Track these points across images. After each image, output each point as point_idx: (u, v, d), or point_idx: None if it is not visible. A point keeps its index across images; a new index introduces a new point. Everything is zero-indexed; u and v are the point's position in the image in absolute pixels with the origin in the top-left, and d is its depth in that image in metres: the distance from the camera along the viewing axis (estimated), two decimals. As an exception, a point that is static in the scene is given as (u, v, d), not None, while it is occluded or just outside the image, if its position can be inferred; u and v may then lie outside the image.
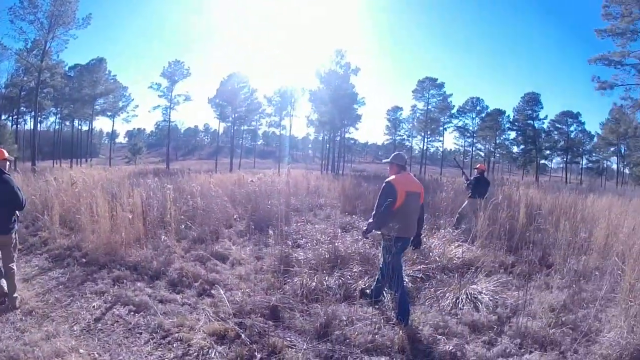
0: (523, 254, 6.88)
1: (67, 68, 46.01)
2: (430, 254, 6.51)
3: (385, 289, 4.67)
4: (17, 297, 4.56)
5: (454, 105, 59.85)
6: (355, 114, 52.54)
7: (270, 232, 6.27)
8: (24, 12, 32.59)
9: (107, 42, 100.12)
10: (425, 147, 62.98)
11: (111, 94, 52.33)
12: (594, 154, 59.47)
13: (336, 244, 6.41)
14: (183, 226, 7.47)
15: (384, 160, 5.19)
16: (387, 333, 4.15)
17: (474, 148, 63.73)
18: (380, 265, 4.57)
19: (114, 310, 4.49)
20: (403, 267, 4.89)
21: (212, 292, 5.15)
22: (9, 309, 4.43)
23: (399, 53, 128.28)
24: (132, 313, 4.45)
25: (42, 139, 51.19)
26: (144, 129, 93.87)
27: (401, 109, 65.89)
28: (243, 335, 3.93)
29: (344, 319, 4.38)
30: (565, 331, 4.21)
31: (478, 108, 61.15)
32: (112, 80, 52.75)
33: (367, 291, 5.00)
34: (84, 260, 6.13)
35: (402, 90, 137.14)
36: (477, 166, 10.00)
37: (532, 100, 57.62)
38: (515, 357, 3.85)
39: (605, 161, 60.03)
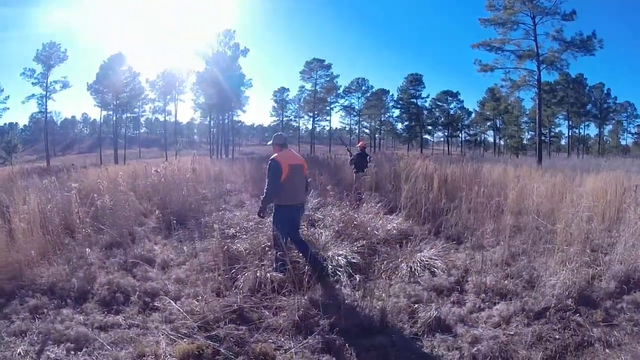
0: (449, 219, 7.22)
1: None
2: (368, 228, 6.52)
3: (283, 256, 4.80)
4: None
5: (340, 86, 61.24)
6: (242, 96, 51.60)
7: (211, 227, 5.62)
8: None
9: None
10: (313, 127, 63.79)
11: None
12: (471, 128, 65.16)
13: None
14: (90, 230, 6.38)
15: (268, 143, 5.68)
16: (367, 311, 4.13)
17: (360, 126, 66.07)
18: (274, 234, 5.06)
19: (47, 353, 3.45)
20: (302, 237, 5.40)
21: (156, 304, 4.42)
22: None
23: (284, 34, 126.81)
24: (73, 352, 3.49)
25: None
26: (17, 124, 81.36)
27: (288, 90, 65.48)
28: (222, 349, 3.36)
29: (320, 305, 4.16)
30: (515, 282, 4.66)
31: (363, 88, 63.29)
32: None
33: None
34: (-18, 292, 4.93)
35: (287, 72, 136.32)
36: (359, 144, 11.11)
37: (415, 81, 61.45)
38: (487, 310, 4.21)
39: (482, 134, 66.30)
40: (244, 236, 6.38)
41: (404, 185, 8.31)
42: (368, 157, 10.60)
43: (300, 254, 5.03)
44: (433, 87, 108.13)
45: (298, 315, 3.88)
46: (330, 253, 5.46)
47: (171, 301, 4.30)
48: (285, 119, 66.07)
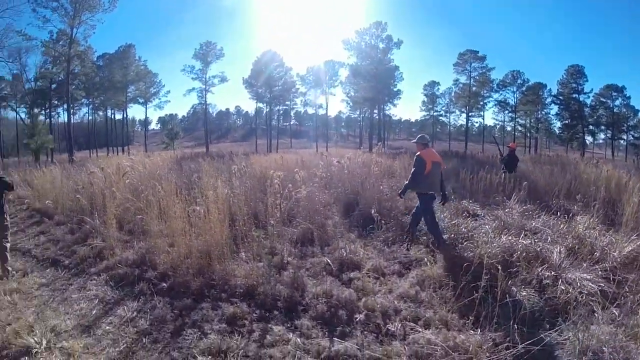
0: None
1: (95, 58, 44.23)
2: (606, 248, 5.13)
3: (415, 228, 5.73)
4: (9, 269, 5.22)
5: (494, 79, 54.99)
6: (394, 89, 49.05)
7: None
8: (45, -1, 30.78)
9: (129, 29, 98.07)
10: (467, 123, 58.24)
11: (142, 81, 50.12)
12: (638, 130, 55.27)
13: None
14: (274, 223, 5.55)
15: (412, 141, 6.28)
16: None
17: (515, 123, 59.63)
18: (414, 211, 5.85)
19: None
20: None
21: (390, 328, 3.37)
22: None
23: (433, 25, 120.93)
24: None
25: (76, 130, 50.53)
26: (176, 115, 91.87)
27: (438, 83, 60.81)
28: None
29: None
30: None
31: (519, 82, 55.98)
32: (142, 67, 50.26)
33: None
34: (164, 285, 4.29)
35: (437, 65, 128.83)
36: (509, 144, 11.54)
37: (577, 73, 53.31)
38: None
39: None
40: (466, 243, 5.25)
41: (627, 198, 6.64)
42: (517, 159, 11.03)
43: (433, 236, 5.44)
44: (596, 80, 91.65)
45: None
46: (571, 275, 4.38)
47: (421, 329, 3.31)
48: (434, 113, 62.98)
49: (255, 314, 3.61)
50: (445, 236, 5.46)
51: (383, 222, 5.97)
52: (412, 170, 5.62)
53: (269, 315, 3.60)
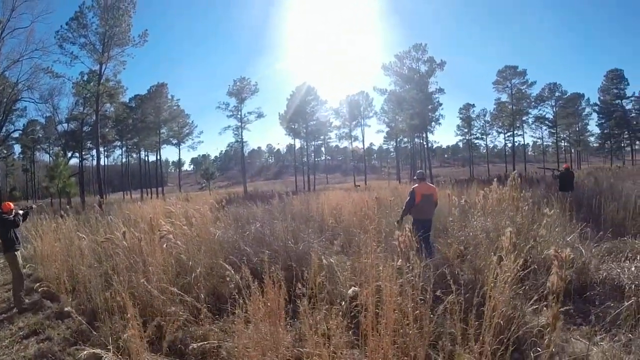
0: None
1: (127, 99, 44.18)
2: None
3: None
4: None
5: (530, 94, 52.52)
6: (435, 115, 46.45)
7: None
8: (72, 35, 30.05)
9: (160, 71, 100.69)
10: (512, 143, 55.30)
11: (175, 121, 50.32)
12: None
13: None
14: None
15: (414, 177, 7.44)
16: None
17: (556, 139, 56.35)
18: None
19: None
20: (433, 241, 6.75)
21: None
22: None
23: (459, 48, 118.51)
24: None
25: (110, 172, 50.17)
26: (209, 155, 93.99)
27: (473, 105, 59.96)
28: None
29: None
30: None
31: (557, 94, 53.58)
32: (175, 107, 50.64)
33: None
34: None
35: (465, 87, 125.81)
36: (564, 165, 12.51)
37: (617, 78, 51.97)
38: None
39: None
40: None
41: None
42: (572, 175, 11.81)
43: (428, 253, 5.74)
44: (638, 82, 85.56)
45: None
46: None
47: None
48: (471, 137, 60.90)
49: None
50: None
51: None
52: (406, 200, 6.86)
53: None
